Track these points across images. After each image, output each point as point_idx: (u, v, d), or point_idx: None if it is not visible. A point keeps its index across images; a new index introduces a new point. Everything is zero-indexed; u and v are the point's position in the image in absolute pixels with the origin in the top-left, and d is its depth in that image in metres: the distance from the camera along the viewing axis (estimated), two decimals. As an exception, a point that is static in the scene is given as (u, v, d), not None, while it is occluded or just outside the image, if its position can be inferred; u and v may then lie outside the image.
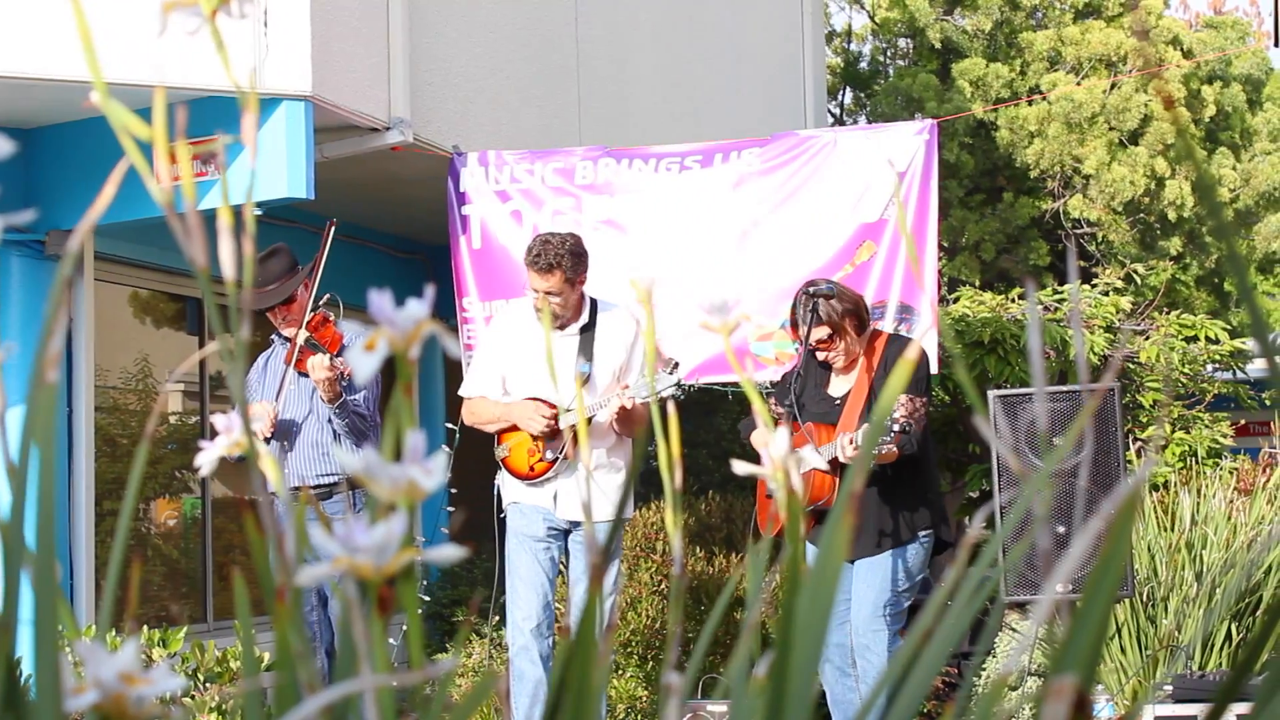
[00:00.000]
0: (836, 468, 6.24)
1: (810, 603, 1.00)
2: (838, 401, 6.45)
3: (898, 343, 6.54)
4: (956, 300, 11.30)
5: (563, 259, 6.53)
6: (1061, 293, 11.49)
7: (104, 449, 9.39)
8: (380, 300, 1.04)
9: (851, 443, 6.09)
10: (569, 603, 7.32)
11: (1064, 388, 7.05)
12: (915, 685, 1.08)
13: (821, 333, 6.36)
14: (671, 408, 1.45)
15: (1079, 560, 0.91)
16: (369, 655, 0.97)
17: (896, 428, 5.95)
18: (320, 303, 7.10)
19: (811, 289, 6.45)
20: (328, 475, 7.03)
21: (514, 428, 6.73)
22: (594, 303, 6.82)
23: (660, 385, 6.25)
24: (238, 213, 1.19)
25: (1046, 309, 11.11)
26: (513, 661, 6.58)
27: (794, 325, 6.48)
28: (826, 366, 6.54)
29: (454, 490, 8.89)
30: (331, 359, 6.79)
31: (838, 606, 6.32)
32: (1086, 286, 11.89)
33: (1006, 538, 6.73)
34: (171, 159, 1.17)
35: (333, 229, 7.08)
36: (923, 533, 6.39)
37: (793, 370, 6.56)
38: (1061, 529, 6.37)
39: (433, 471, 1.01)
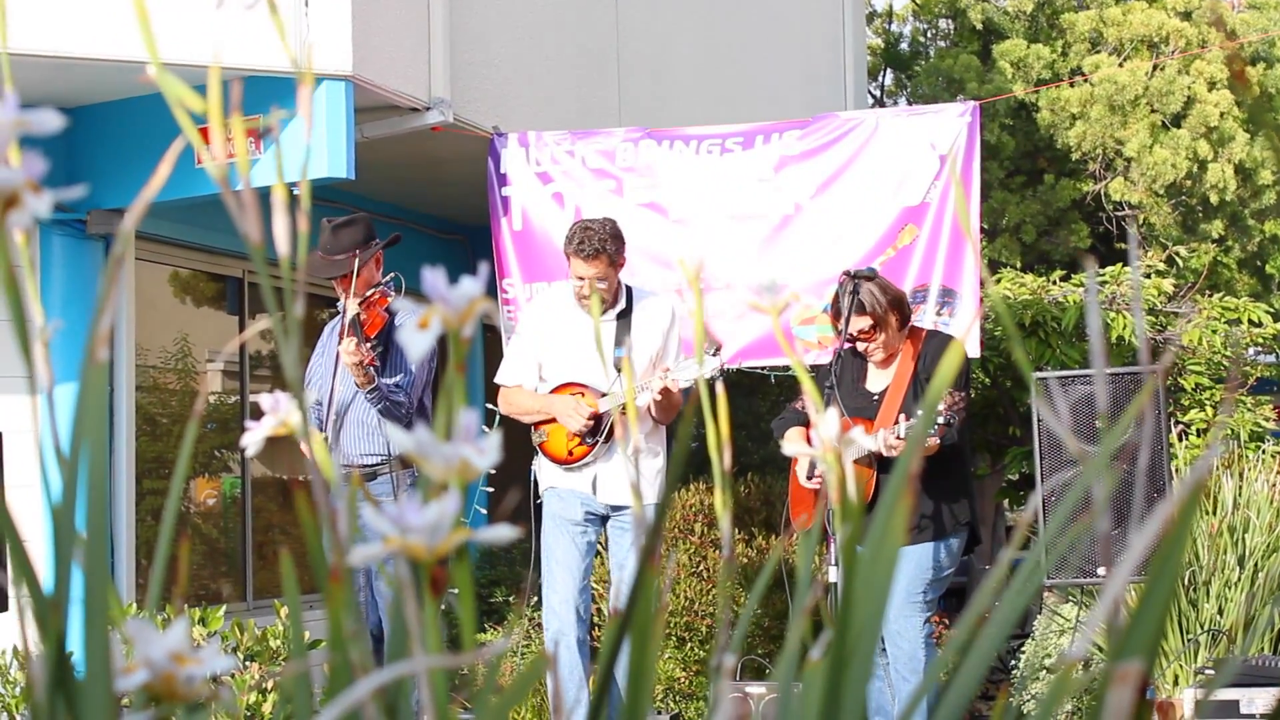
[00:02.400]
0: (875, 462, 6.19)
1: (868, 587, 0.99)
2: (875, 397, 6.40)
3: (937, 338, 6.49)
4: (998, 282, 11.25)
5: (606, 243, 6.57)
6: (1103, 275, 11.43)
7: (144, 428, 9.42)
8: (433, 278, 1.03)
9: (896, 436, 6.02)
10: (608, 585, 7.33)
11: (1109, 370, 7.01)
12: (971, 670, 1.07)
13: (864, 323, 6.31)
14: (720, 388, 1.44)
15: (1140, 546, 0.90)
16: (421, 637, 0.97)
17: (941, 420, 5.91)
18: (384, 281, 7.04)
19: (854, 274, 6.42)
20: (372, 455, 6.97)
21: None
22: (629, 289, 6.84)
23: (704, 368, 6.25)
24: (287, 190, 1.18)
25: (1088, 294, 11.05)
26: (549, 645, 6.61)
27: (835, 314, 6.43)
28: (863, 359, 6.50)
29: (492, 471, 8.89)
30: (358, 343, 6.69)
31: None
32: (1129, 269, 11.82)
33: (1052, 521, 6.71)
34: (226, 136, 1.17)
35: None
36: (962, 525, 6.36)
37: (830, 363, 6.54)
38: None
39: (486, 451, 1.00)
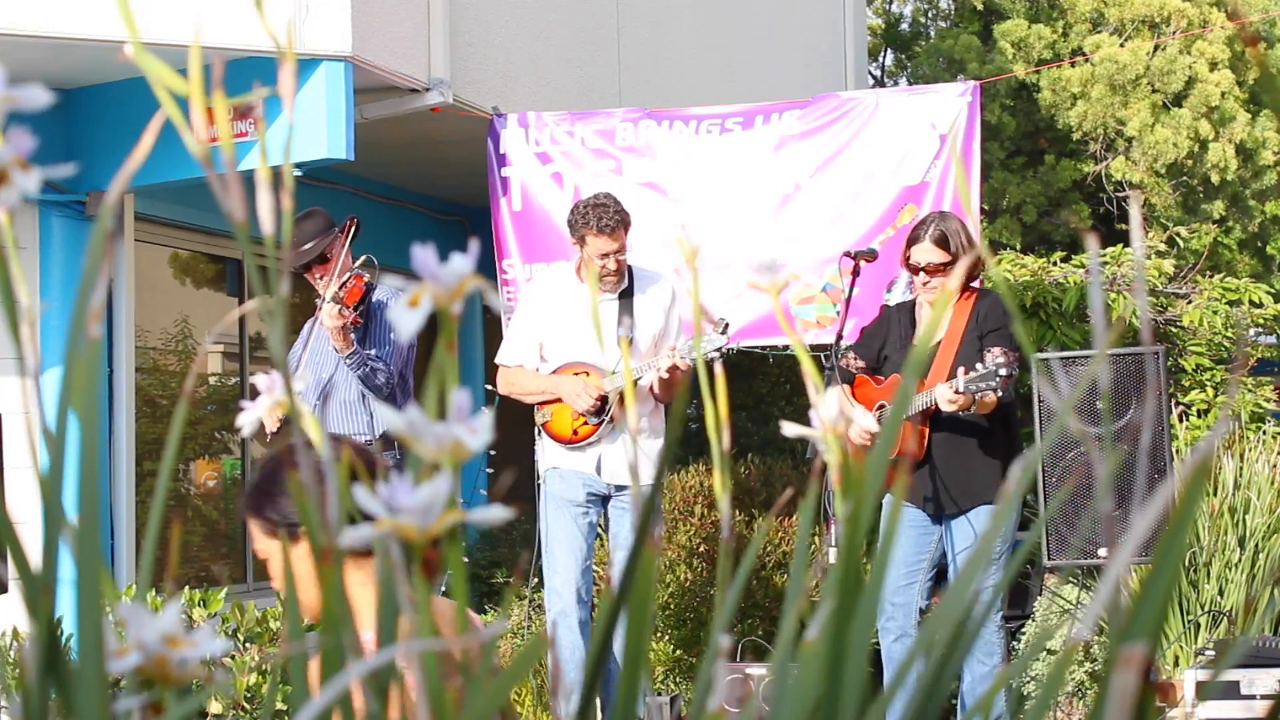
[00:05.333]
0: (927, 418, 6.13)
1: (878, 555, 0.98)
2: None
3: (988, 297, 6.36)
4: (998, 263, 11.23)
5: (623, 214, 6.59)
6: (1104, 256, 11.41)
7: (144, 410, 9.41)
8: (424, 255, 1.01)
9: (955, 390, 5.90)
10: (610, 566, 7.32)
11: (1110, 351, 6.98)
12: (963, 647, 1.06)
13: (940, 257, 6.20)
14: (719, 368, 1.43)
15: (1143, 527, 0.89)
16: (414, 619, 0.96)
17: (1004, 372, 5.80)
18: (357, 263, 7.02)
19: (855, 253, 6.41)
20: (356, 435, 6.90)
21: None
22: (630, 268, 6.81)
23: (709, 345, 6.24)
24: (277, 172, 1.16)
25: (1090, 273, 11.03)
26: (550, 627, 6.60)
27: (911, 240, 6.33)
28: (911, 317, 6.43)
29: (493, 452, 8.89)
30: (341, 308, 6.66)
31: (911, 566, 6.26)
32: (1129, 250, 11.80)
33: (1050, 501, 6.71)
34: (209, 115, 1.15)
35: (354, 226, 7.07)
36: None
37: (880, 320, 6.51)
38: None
39: (478, 431, 0.99)
